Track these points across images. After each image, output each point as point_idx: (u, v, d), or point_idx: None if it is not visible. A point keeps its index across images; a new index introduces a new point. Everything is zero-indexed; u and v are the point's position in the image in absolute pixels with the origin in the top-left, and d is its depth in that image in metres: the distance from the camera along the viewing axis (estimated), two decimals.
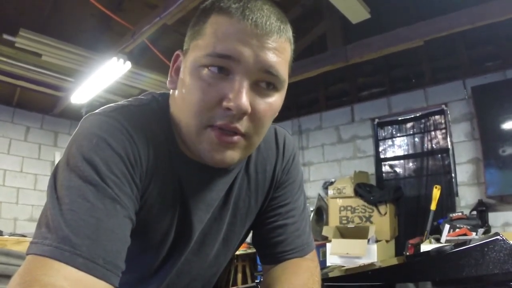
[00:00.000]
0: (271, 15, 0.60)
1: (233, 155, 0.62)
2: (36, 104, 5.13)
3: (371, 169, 4.74)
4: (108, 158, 0.57)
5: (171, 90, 0.69)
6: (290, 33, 0.65)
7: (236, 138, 0.60)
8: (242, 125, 0.59)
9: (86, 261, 0.50)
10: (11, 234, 3.90)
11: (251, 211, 0.79)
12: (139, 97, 0.71)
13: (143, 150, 0.62)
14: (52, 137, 5.37)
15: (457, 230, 3.27)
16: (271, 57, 0.59)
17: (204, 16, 0.62)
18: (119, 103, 0.66)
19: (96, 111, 0.63)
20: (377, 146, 4.82)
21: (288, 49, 0.63)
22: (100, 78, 3.89)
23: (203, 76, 0.58)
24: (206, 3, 0.64)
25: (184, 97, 0.61)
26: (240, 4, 0.59)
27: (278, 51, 0.60)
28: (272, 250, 0.78)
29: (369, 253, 3.69)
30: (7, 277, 1.37)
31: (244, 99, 0.57)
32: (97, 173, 0.55)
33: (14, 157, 4.94)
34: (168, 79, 0.68)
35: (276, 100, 0.63)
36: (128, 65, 3.64)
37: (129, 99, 0.69)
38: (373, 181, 4.65)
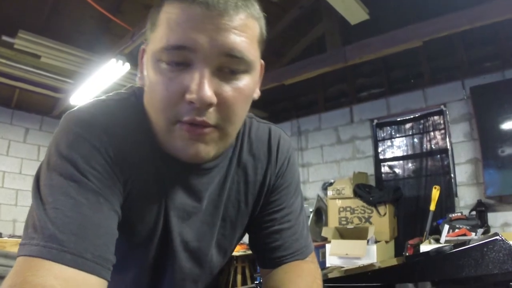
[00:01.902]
0: None
1: (207, 149, 0.58)
2: (35, 105, 5.13)
3: (370, 169, 4.74)
4: (86, 153, 0.56)
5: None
6: (253, 8, 0.58)
7: (207, 129, 0.56)
8: (210, 117, 0.55)
9: (75, 257, 0.50)
10: (10, 236, 3.90)
11: (241, 215, 0.76)
12: (120, 91, 0.69)
13: (120, 144, 0.60)
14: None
15: (456, 230, 3.27)
16: (230, 38, 0.54)
17: (158, 6, 0.58)
18: (97, 98, 0.65)
19: (74, 108, 0.62)
20: (376, 147, 4.83)
21: (252, 26, 0.57)
22: (99, 80, 3.89)
23: (162, 71, 0.55)
24: None
25: (150, 93, 0.59)
26: None
27: (238, 30, 0.55)
28: (270, 255, 0.76)
29: (369, 253, 3.68)
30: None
31: (206, 90, 0.53)
32: (77, 168, 0.55)
33: (13, 159, 4.93)
34: (138, 75, 0.65)
35: (246, 83, 0.58)
36: (127, 66, 3.64)
37: (110, 93, 0.68)
38: (372, 182, 4.65)
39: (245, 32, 0.56)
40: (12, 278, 0.47)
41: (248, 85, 0.58)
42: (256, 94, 0.64)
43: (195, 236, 0.72)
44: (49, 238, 0.50)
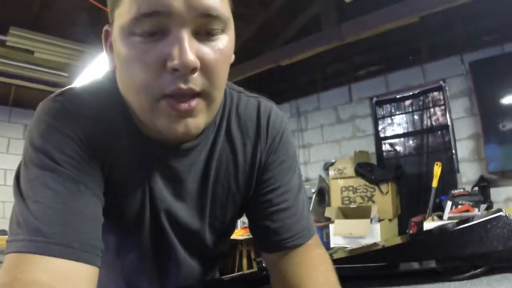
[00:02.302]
0: None
1: (196, 122, 0.54)
2: (32, 101, 5.08)
3: (371, 148, 4.74)
4: (59, 142, 0.55)
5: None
6: None
7: (194, 102, 0.53)
8: (196, 84, 0.52)
9: (62, 247, 0.50)
10: None
11: (232, 195, 0.73)
12: (93, 78, 0.67)
13: (93, 130, 0.58)
14: None
15: (459, 206, 3.29)
16: None
17: None
18: (69, 86, 0.64)
19: (47, 97, 0.61)
20: (376, 125, 4.81)
21: None
22: (95, 71, 3.86)
23: (135, 44, 0.51)
24: None
25: (124, 73, 0.55)
26: None
27: None
28: (269, 238, 0.70)
29: (372, 232, 3.71)
30: None
31: (189, 54, 0.49)
32: (51, 158, 0.54)
33: (14, 156, 4.93)
34: (107, 59, 0.61)
35: (225, 43, 0.54)
36: None
37: (86, 81, 0.66)
38: (373, 160, 4.65)
39: None
40: (2, 277, 0.47)
41: (228, 45, 0.55)
42: (232, 58, 0.60)
43: (185, 218, 0.70)
44: (34, 232, 0.50)
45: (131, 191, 0.64)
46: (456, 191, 3.55)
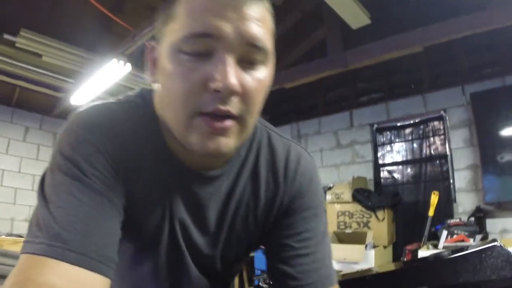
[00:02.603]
0: None
1: (227, 142, 0.56)
2: (35, 104, 5.12)
3: (369, 174, 4.73)
4: (88, 155, 0.57)
5: (155, 85, 0.64)
6: (267, 2, 0.59)
7: (228, 122, 0.55)
8: (234, 107, 0.54)
9: (79, 255, 0.50)
10: (8, 235, 3.89)
11: (250, 229, 0.73)
12: (128, 94, 0.69)
13: (122, 146, 0.60)
14: (51, 138, 5.35)
15: (454, 236, 3.27)
16: (254, 28, 0.54)
17: None
18: (103, 100, 0.65)
19: (80, 109, 0.63)
20: (375, 152, 4.83)
21: (269, 19, 0.59)
22: (100, 80, 3.90)
23: (182, 61, 0.54)
24: None
25: (166, 88, 0.57)
26: None
27: (260, 21, 0.55)
28: (287, 282, 0.69)
29: (367, 258, 3.68)
30: (4, 277, 1.36)
31: (233, 78, 0.52)
32: (80, 169, 0.56)
33: (12, 157, 4.93)
34: (148, 73, 0.64)
35: (265, 75, 0.58)
36: (128, 67, 3.64)
37: (119, 96, 0.68)
38: (371, 187, 4.64)
39: (265, 23, 0.56)
40: (16, 276, 0.48)
41: (267, 77, 0.59)
42: (268, 90, 0.63)
43: (199, 243, 0.71)
44: (54, 237, 0.51)
45: (151, 208, 0.65)
46: (452, 221, 3.54)
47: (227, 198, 0.70)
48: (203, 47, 0.53)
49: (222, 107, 0.53)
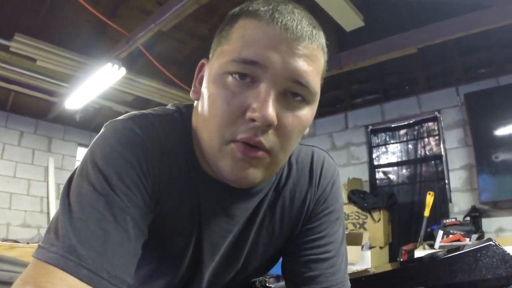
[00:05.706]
0: (303, 19, 0.56)
1: (256, 174, 0.56)
2: (30, 109, 5.10)
3: (364, 175, 4.75)
4: (120, 168, 0.56)
5: (195, 102, 0.65)
6: (323, 40, 0.59)
7: (260, 153, 0.54)
8: (267, 140, 0.54)
9: (91, 273, 0.49)
10: (4, 240, 3.85)
11: (275, 239, 0.73)
12: (165, 107, 0.69)
13: (157, 160, 0.60)
14: (46, 143, 5.33)
15: (450, 236, 3.29)
16: (302, 65, 0.53)
17: (231, 21, 0.58)
18: (142, 111, 0.65)
19: (118, 118, 0.62)
20: (370, 153, 4.84)
21: (320, 58, 0.58)
22: (95, 84, 3.89)
23: (227, 83, 0.54)
24: (235, 9, 0.60)
25: (206, 108, 0.57)
26: (270, 7, 0.55)
27: (309, 59, 0.54)
28: (303, 285, 0.69)
29: (363, 259, 3.68)
30: (0, 283, 1.35)
31: (270, 109, 0.51)
32: (108, 183, 0.55)
33: (7, 162, 4.90)
34: (192, 89, 0.64)
35: (306, 114, 0.57)
36: (123, 71, 3.64)
37: (156, 108, 0.67)
38: (366, 188, 4.66)
39: (315, 62, 0.56)
40: (25, 281, 0.47)
41: (307, 116, 0.57)
42: (307, 130, 0.62)
43: (222, 260, 0.71)
44: (69, 249, 0.50)
45: (179, 226, 0.65)
46: (447, 221, 3.56)
47: (253, 213, 0.70)
48: (249, 74, 0.53)
49: (255, 137, 0.53)
